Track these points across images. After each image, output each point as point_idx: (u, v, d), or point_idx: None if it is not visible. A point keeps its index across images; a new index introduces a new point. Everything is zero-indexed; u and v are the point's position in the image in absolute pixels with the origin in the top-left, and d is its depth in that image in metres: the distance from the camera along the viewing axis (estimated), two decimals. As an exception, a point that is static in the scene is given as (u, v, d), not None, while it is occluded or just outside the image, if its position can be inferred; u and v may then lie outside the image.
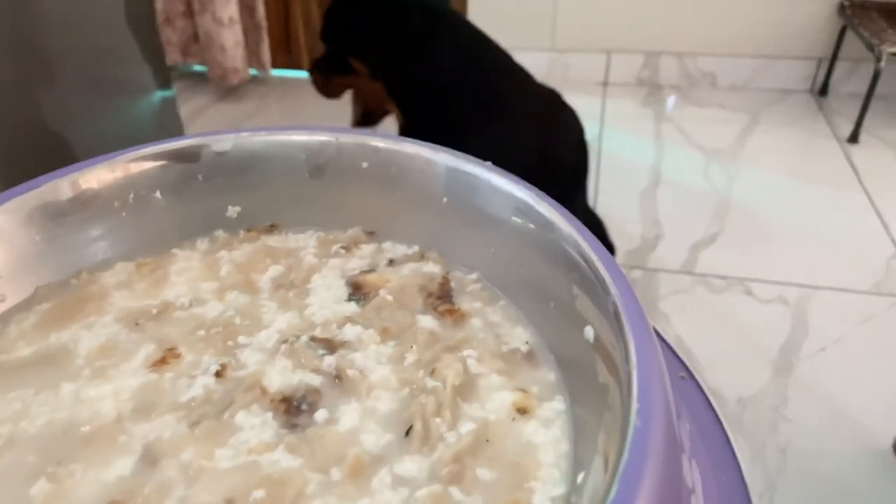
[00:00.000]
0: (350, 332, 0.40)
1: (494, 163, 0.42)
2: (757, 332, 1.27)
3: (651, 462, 0.25)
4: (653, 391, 0.27)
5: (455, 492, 0.31)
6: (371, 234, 0.48)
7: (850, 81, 2.25)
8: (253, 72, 2.33)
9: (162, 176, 0.46)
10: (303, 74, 2.42)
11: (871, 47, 1.85)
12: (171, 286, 0.44)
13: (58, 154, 0.99)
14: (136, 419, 0.35)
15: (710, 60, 2.31)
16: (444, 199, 0.44)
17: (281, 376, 0.37)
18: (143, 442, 0.33)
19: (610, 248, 1.36)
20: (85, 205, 0.44)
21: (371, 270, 0.45)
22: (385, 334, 0.40)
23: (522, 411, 0.35)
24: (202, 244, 0.47)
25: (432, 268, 0.45)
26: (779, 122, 2.11)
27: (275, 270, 0.45)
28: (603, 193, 1.70)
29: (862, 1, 2.08)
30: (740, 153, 1.92)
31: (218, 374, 0.37)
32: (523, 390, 0.36)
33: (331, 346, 0.39)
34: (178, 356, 0.38)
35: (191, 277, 0.45)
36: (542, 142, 1.12)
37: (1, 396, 0.36)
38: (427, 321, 0.40)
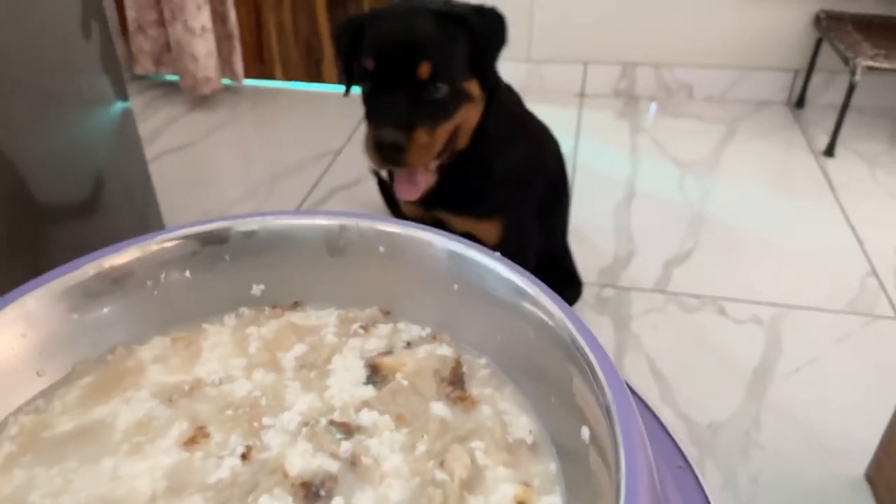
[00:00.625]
0: (366, 417, 0.42)
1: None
2: (730, 353, 1.26)
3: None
4: (640, 498, 0.30)
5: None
6: (388, 314, 0.51)
7: (826, 93, 2.25)
8: (226, 81, 2.29)
9: (192, 257, 0.49)
10: (276, 84, 2.39)
11: (846, 60, 1.85)
12: (203, 362, 0.47)
13: (8, 169, 0.95)
14: (168, 498, 0.37)
15: (687, 71, 2.30)
16: (455, 286, 0.47)
17: (301, 459, 0.39)
18: (175, 521, 0.35)
19: (578, 284, 1.33)
20: (118, 284, 0.47)
21: (388, 352, 0.47)
22: (399, 420, 0.42)
23: (522, 504, 0.37)
24: (230, 320, 0.50)
25: (445, 350, 0.47)
26: (755, 133, 2.10)
27: (299, 349, 0.47)
28: (577, 207, 1.68)
29: (838, 13, 2.07)
30: (716, 165, 1.91)
31: (244, 457, 0.39)
32: (526, 484, 0.38)
33: (348, 430, 0.41)
34: (207, 435, 0.41)
35: (222, 354, 0.47)
36: (552, 158, 1.17)
37: (45, 471, 0.39)
38: (439, 408, 0.43)
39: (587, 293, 1.38)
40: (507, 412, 0.43)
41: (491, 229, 1.05)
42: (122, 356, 0.46)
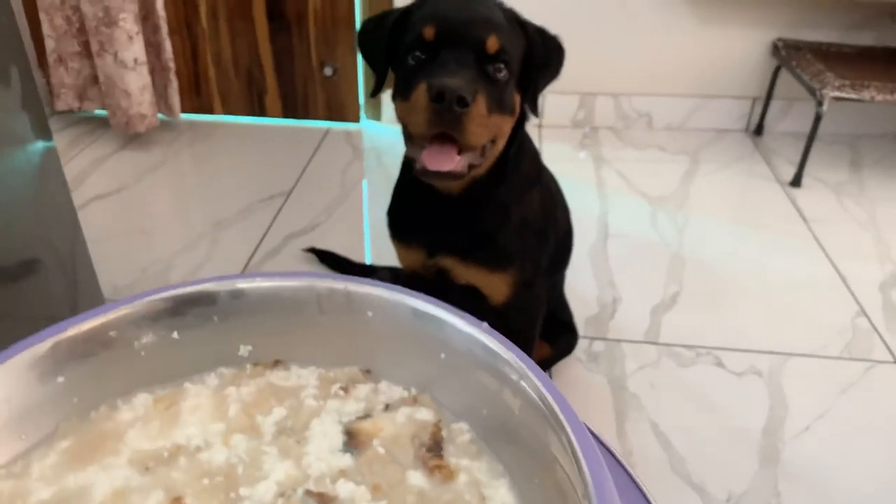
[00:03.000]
0: (343, 488, 0.41)
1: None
2: (735, 412, 1.17)
3: None
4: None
5: None
6: (368, 373, 0.51)
7: (784, 121, 2.24)
8: (160, 116, 2.11)
9: (180, 318, 0.49)
10: (214, 118, 2.22)
11: (812, 91, 1.82)
12: (182, 426, 0.46)
13: None
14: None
15: (646, 100, 2.25)
16: (438, 352, 0.47)
17: (277, 533, 0.38)
18: None
19: (574, 334, 1.24)
20: (106, 345, 0.47)
21: (367, 416, 0.47)
22: (376, 491, 0.41)
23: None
24: (211, 379, 0.50)
25: (425, 414, 0.47)
26: (719, 164, 2.05)
27: (278, 413, 0.47)
28: (552, 250, 1.59)
29: (794, 41, 2.06)
30: (685, 200, 1.85)
31: (220, 529, 0.38)
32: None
33: (324, 500, 0.41)
34: (183, 507, 0.40)
35: (202, 417, 0.47)
36: (562, 208, 1.09)
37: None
38: (417, 478, 0.42)
39: (577, 346, 1.28)
40: (485, 483, 0.43)
41: (500, 284, 0.92)
42: (104, 416, 0.47)
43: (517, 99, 0.83)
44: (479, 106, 0.75)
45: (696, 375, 1.25)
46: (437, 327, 0.46)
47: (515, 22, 0.83)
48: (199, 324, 0.49)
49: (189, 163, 2.02)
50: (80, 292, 1.13)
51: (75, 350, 0.45)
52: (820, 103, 1.79)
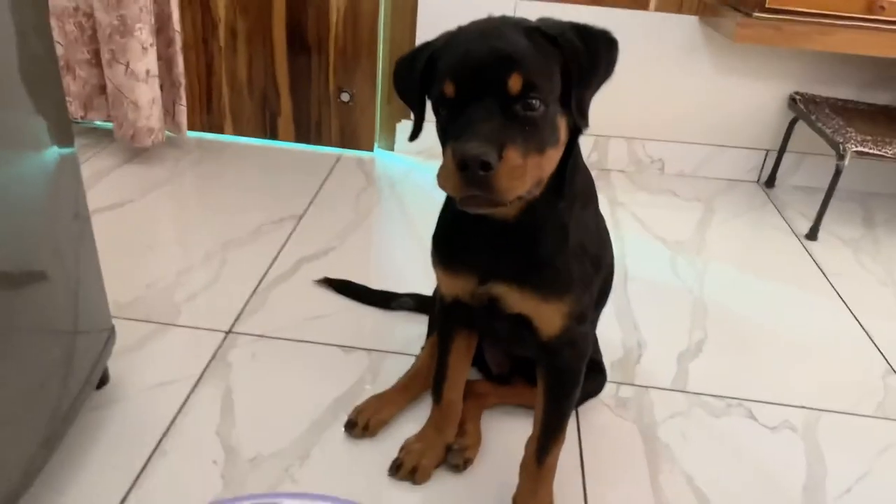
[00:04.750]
0: None
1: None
2: (773, 467, 1.12)
3: None
4: None
5: None
6: None
7: (796, 174, 2.24)
8: (167, 133, 2.05)
9: None
10: (224, 138, 2.17)
11: (835, 145, 1.81)
12: None
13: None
14: None
15: (659, 146, 2.23)
16: None
17: None
18: None
19: (603, 374, 1.19)
20: None
21: None
22: None
23: None
24: None
25: None
26: (733, 212, 2.04)
27: None
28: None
29: (812, 95, 2.07)
30: (703, 247, 1.82)
31: None
32: None
33: None
34: None
35: None
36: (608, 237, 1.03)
37: None
38: None
39: (604, 391, 1.22)
40: None
41: (555, 315, 0.86)
42: None
43: (562, 123, 0.77)
44: (511, 158, 0.70)
45: (728, 427, 1.20)
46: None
47: (542, 39, 0.75)
48: None
49: (196, 181, 1.96)
50: (83, 307, 1.06)
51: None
52: (842, 157, 1.78)
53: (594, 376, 1.16)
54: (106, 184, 1.86)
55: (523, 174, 0.72)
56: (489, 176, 0.68)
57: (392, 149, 2.19)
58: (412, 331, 1.35)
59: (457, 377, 1.04)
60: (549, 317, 0.86)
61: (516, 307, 0.86)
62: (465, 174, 0.68)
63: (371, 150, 2.16)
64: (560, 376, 0.93)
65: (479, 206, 0.73)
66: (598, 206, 0.96)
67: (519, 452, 0.99)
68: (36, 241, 0.92)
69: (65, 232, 1.00)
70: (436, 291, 1.09)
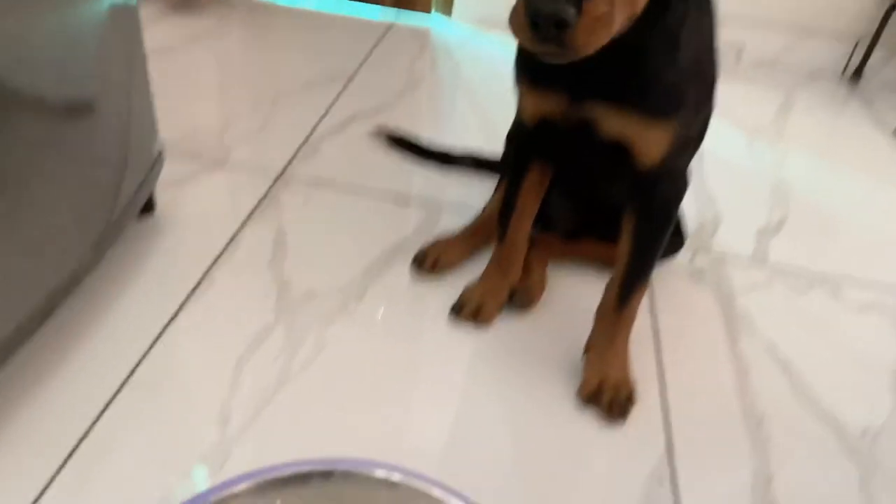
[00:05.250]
0: None
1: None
2: (862, 344, 1.03)
3: None
4: None
5: None
6: None
7: (885, 69, 2.06)
8: (213, -13, 1.94)
9: None
10: (271, 1, 2.05)
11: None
12: None
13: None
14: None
15: (738, 31, 2.06)
16: None
17: None
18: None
19: (681, 236, 1.10)
20: None
21: None
22: None
23: None
24: None
25: None
26: (815, 104, 1.88)
27: None
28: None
29: (916, -21, 1.87)
30: (783, 134, 1.68)
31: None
32: None
33: None
34: None
35: None
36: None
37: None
38: None
39: (676, 260, 1.13)
40: None
41: (658, 140, 0.75)
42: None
43: None
44: (596, 7, 0.57)
45: (812, 303, 1.11)
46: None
47: None
48: None
49: (244, 36, 1.85)
50: (134, 139, 0.99)
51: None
52: (950, 40, 1.61)
53: (672, 237, 1.07)
54: (153, 31, 1.76)
55: (610, 21, 0.60)
56: (566, 34, 0.57)
57: (450, 14, 2.05)
58: (471, 189, 1.27)
59: (524, 215, 0.95)
60: (651, 142, 0.76)
61: (614, 130, 0.76)
62: (538, 31, 0.58)
63: (428, 11, 2.02)
64: (652, 214, 0.84)
65: (558, 59, 0.62)
66: (716, 11, 0.82)
67: (587, 312, 0.91)
68: (94, 69, 0.85)
69: (122, 63, 0.93)
70: (511, 129, 0.99)
